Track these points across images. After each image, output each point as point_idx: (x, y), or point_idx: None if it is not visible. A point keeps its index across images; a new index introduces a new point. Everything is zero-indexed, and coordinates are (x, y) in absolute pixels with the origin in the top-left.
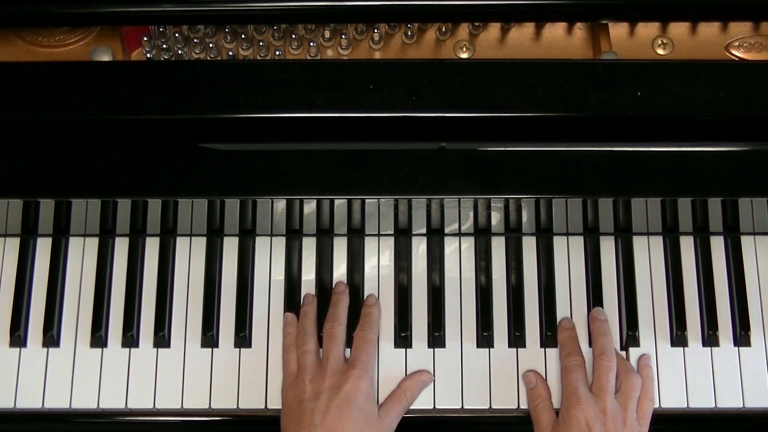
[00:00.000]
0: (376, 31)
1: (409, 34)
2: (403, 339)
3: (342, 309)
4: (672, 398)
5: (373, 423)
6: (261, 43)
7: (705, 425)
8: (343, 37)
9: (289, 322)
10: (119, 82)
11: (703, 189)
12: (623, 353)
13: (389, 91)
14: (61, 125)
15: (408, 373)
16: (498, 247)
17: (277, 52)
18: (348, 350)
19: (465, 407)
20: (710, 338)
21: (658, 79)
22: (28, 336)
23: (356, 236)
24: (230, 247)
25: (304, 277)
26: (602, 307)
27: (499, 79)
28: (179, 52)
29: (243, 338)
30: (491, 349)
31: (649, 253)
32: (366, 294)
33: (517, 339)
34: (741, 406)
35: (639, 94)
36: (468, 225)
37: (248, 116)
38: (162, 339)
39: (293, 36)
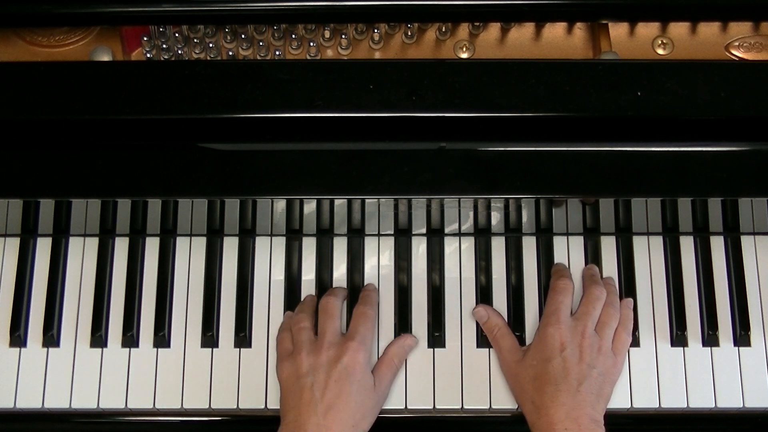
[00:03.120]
0: (376, 31)
1: (409, 34)
2: None
3: (340, 290)
4: (672, 398)
5: (371, 394)
6: (261, 43)
7: (705, 425)
8: (343, 37)
9: (288, 315)
10: (119, 82)
11: (703, 189)
12: None
13: (389, 91)
14: (61, 125)
15: (407, 373)
16: (498, 247)
17: (277, 52)
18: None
19: (465, 407)
20: (710, 338)
21: (658, 79)
22: (28, 336)
23: (356, 236)
24: (230, 247)
25: (304, 277)
26: None
27: (499, 79)
28: (179, 52)
29: (243, 338)
30: (491, 349)
31: (649, 253)
32: None
33: (516, 339)
34: (741, 406)
35: (639, 94)
36: (468, 225)
37: (248, 116)
38: (162, 339)
39: (293, 36)
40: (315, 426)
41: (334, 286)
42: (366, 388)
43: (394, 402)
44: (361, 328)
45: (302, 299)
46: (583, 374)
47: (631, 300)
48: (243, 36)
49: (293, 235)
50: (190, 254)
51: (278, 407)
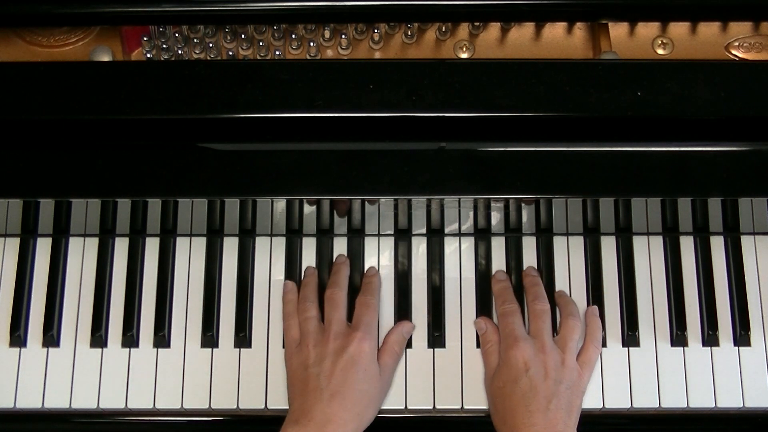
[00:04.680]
0: (376, 31)
1: (409, 34)
2: None
3: (343, 276)
4: (672, 398)
5: (375, 382)
6: (261, 43)
7: (705, 425)
8: (343, 37)
9: (289, 290)
10: (119, 82)
11: (703, 189)
12: (624, 350)
13: (389, 91)
14: (61, 125)
15: (407, 373)
16: (498, 247)
17: (277, 52)
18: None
19: (465, 407)
20: (710, 338)
21: (658, 79)
22: (28, 336)
23: (356, 236)
24: (230, 247)
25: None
26: (603, 306)
27: (499, 79)
28: (179, 52)
29: (243, 338)
30: None
31: (649, 253)
32: None
33: None
34: (741, 406)
35: (639, 94)
36: (468, 225)
37: (248, 116)
38: (162, 339)
39: (293, 36)
40: (320, 413)
41: (335, 258)
42: (371, 377)
43: (394, 402)
44: (365, 318)
45: (304, 279)
46: (550, 391)
47: (595, 307)
48: (243, 36)
49: (293, 235)
50: (190, 254)
51: (278, 407)
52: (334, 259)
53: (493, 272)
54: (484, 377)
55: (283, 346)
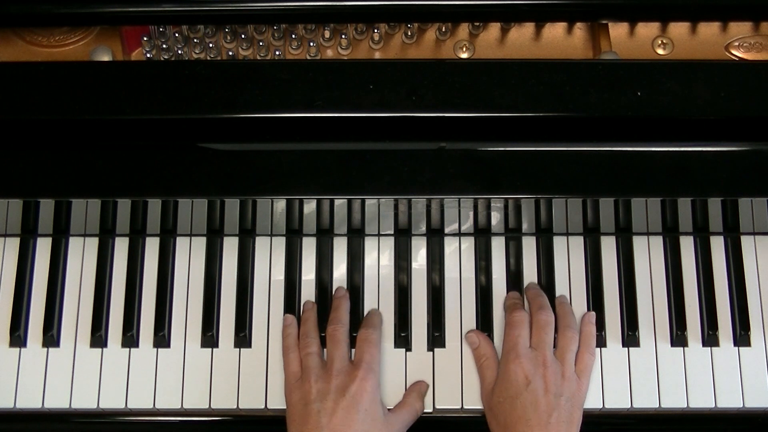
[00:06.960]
0: (376, 31)
1: (409, 34)
2: (402, 339)
3: (344, 312)
4: (672, 398)
5: (379, 425)
6: (261, 43)
7: (705, 425)
8: (343, 37)
9: (289, 323)
10: (119, 82)
11: (703, 189)
12: (624, 350)
13: (389, 91)
14: (61, 125)
15: (407, 373)
16: (498, 247)
17: (277, 52)
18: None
19: (465, 407)
20: (710, 338)
21: (658, 79)
22: (28, 336)
23: (356, 236)
24: (230, 247)
25: (304, 277)
26: (603, 306)
27: (499, 79)
28: (179, 52)
29: (243, 338)
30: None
31: (649, 253)
32: (366, 294)
33: None
34: (741, 406)
35: (639, 94)
36: (468, 225)
37: (248, 116)
38: (162, 339)
39: (293, 36)
40: None
41: (334, 286)
42: (373, 418)
43: (394, 402)
44: (366, 355)
45: (304, 314)
46: (551, 405)
47: (592, 314)
48: (243, 36)
49: (293, 235)
50: (190, 254)
51: (278, 407)
52: (333, 260)
53: (493, 270)
54: (481, 391)
55: (282, 354)
